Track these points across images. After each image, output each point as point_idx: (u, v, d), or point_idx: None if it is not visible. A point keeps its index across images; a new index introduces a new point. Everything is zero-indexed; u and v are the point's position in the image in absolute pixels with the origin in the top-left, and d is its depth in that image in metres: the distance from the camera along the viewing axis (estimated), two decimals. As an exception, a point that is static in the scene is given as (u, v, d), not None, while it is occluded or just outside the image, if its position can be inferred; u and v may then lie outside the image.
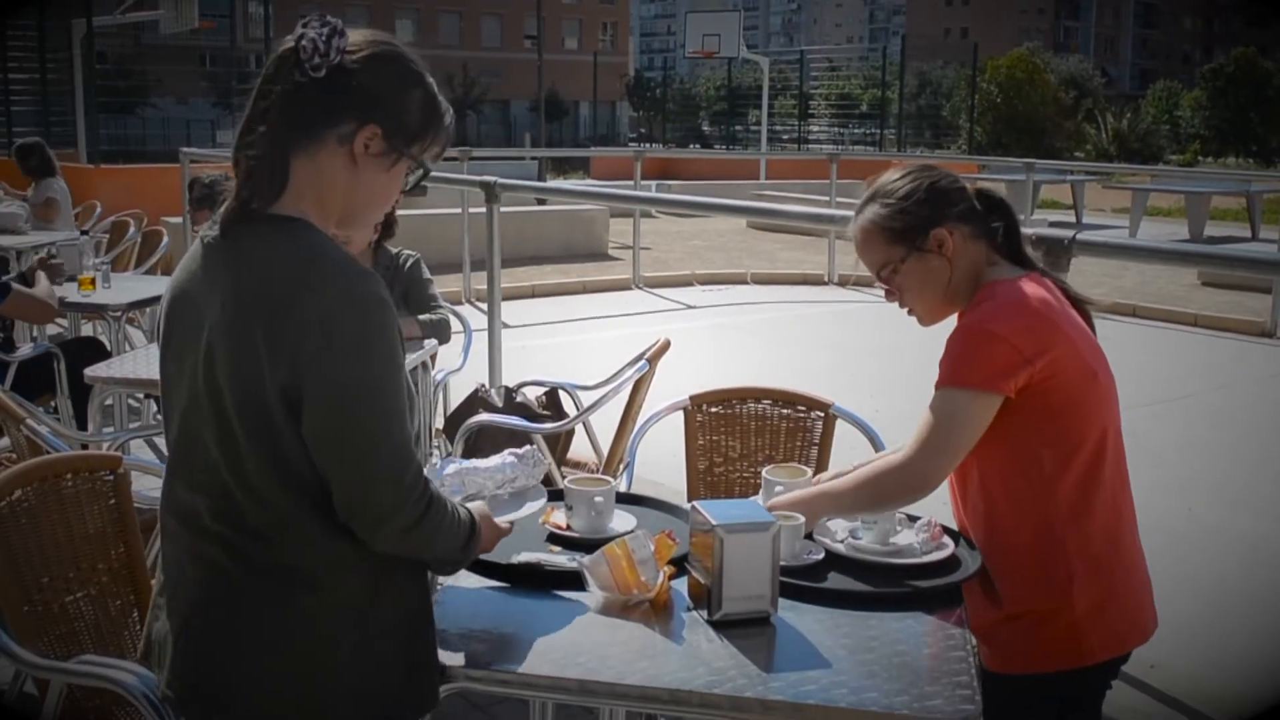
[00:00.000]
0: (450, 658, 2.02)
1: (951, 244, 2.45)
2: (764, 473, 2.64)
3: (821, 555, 2.39)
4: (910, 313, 2.56)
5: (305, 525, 1.87)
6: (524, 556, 2.34)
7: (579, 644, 2.07)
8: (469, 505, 2.09)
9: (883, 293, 2.56)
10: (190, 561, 1.94)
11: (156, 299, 6.46)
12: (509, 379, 5.39)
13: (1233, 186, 21.99)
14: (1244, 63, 56.60)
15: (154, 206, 11.00)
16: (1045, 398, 2.33)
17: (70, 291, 6.10)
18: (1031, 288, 2.42)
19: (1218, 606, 4.94)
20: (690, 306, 12.29)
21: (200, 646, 1.93)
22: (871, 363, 9.30)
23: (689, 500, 2.79)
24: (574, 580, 2.23)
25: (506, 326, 6.97)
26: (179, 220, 10.38)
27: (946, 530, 2.55)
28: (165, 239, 8.71)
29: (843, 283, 13.53)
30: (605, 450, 4.44)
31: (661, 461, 4.08)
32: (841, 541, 2.49)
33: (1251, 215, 20.02)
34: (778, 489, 2.57)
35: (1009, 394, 2.32)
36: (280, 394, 1.80)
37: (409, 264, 4.92)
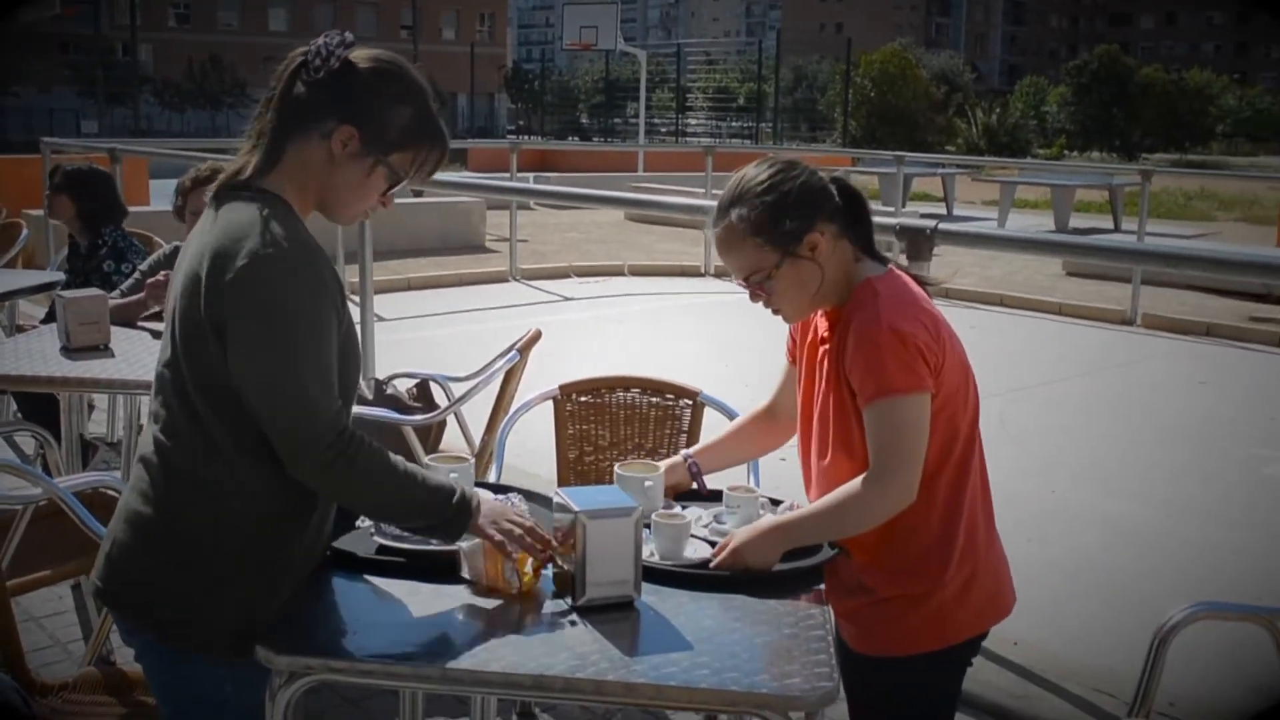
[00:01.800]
0: (312, 649, 2.00)
1: (823, 246, 2.39)
2: (725, 491, 2.59)
3: (708, 554, 2.39)
4: (776, 312, 2.49)
5: (225, 445, 2.08)
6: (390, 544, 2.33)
7: (443, 633, 2.07)
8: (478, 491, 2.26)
9: (749, 293, 2.47)
10: (139, 463, 2.17)
11: (14, 293, 6.27)
12: (382, 372, 5.33)
13: (1096, 180, 22.61)
14: (1107, 60, 58.33)
15: (14, 198, 10.67)
16: (936, 392, 2.34)
17: (-78, 285, 5.89)
18: (908, 283, 2.44)
19: (1079, 584, 5.10)
20: (568, 298, 12.30)
21: (123, 543, 2.15)
22: (747, 353, 9.39)
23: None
24: (444, 570, 2.23)
25: (380, 319, 6.91)
26: (39, 213, 10.08)
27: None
28: (25, 231, 8.43)
29: (719, 273, 13.65)
30: (478, 441, 4.42)
31: (535, 451, 4.08)
32: (706, 527, 2.52)
33: (1114, 207, 20.62)
34: (731, 510, 2.54)
35: (933, 390, 2.32)
36: (210, 324, 2.02)
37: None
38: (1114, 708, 3.93)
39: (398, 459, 2.14)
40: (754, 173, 2.44)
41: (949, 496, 2.42)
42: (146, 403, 2.30)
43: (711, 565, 2.32)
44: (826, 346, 2.47)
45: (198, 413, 2.08)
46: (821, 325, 2.52)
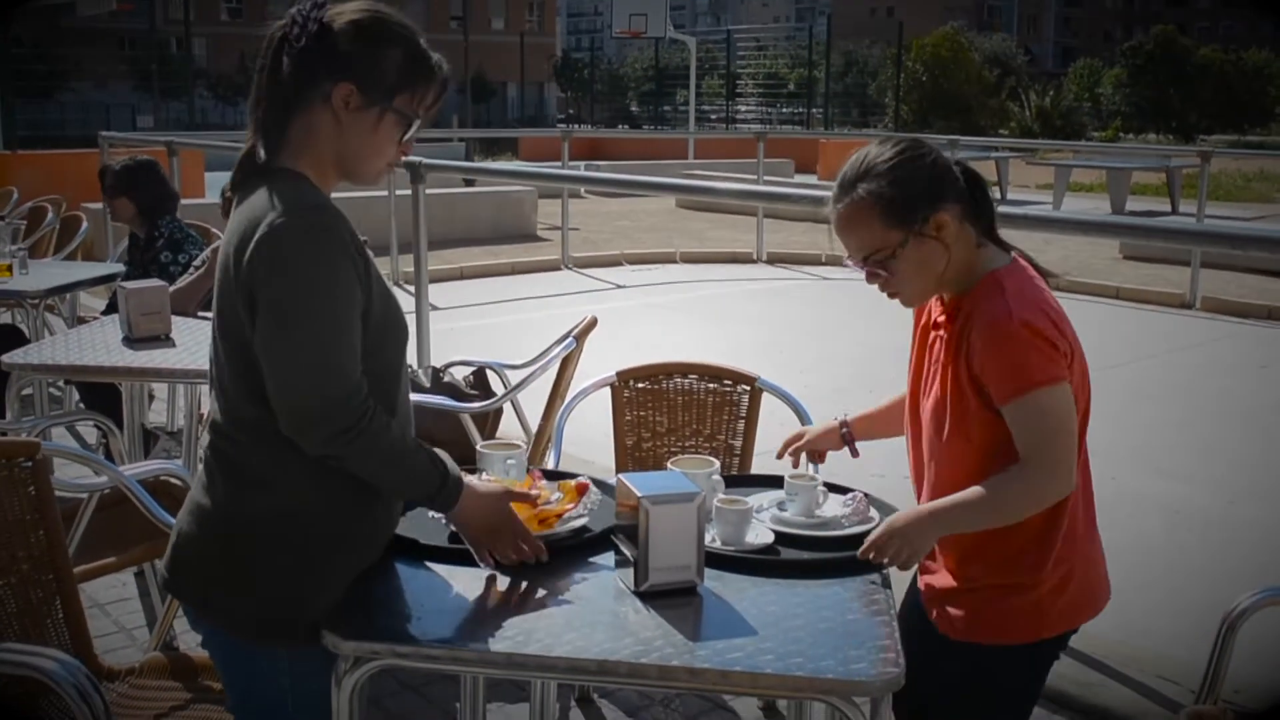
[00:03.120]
0: (378, 634, 2.01)
1: (950, 228, 2.31)
2: (785, 478, 2.59)
3: (771, 539, 2.40)
4: (893, 295, 2.40)
5: (265, 432, 2.08)
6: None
7: (506, 618, 2.08)
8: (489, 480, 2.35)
9: (863, 273, 2.39)
10: (203, 456, 2.23)
11: (75, 285, 6.35)
12: (438, 361, 5.36)
13: (1153, 162, 22.32)
14: (1163, 40, 57.41)
15: (73, 192, 10.79)
16: (1071, 381, 2.30)
17: (-13, 278, 5.98)
18: (1032, 276, 2.39)
19: (1142, 571, 5.03)
20: (620, 286, 12.29)
21: (186, 533, 2.20)
22: (801, 339, 9.36)
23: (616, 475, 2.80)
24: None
25: (435, 308, 6.94)
26: (98, 206, 10.20)
27: (871, 501, 2.58)
28: (84, 225, 8.55)
29: (772, 260, 13.59)
30: (535, 428, 4.43)
31: (592, 439, 4.08)
32: (765, 512, 2.51)
33: (1171, 190, 20.35)
34: (791, 497, 2.55)
35: (1069, 379, 2.27)
36: (245, 308, 2.04)
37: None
38: (1178, 695, 3.87)
39: (398, 431, 2.14)
40: (879, 150, 2.35)
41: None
42: (206, 392, 2.34)
43: (861, 552, 2.29)
44: (942, 333, 2.40)
45: (241, 404, 2.11)
46: (936, 309, 2.45)
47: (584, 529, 2.39)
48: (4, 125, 17.06)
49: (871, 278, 2.37)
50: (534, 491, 2.35)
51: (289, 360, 2.01)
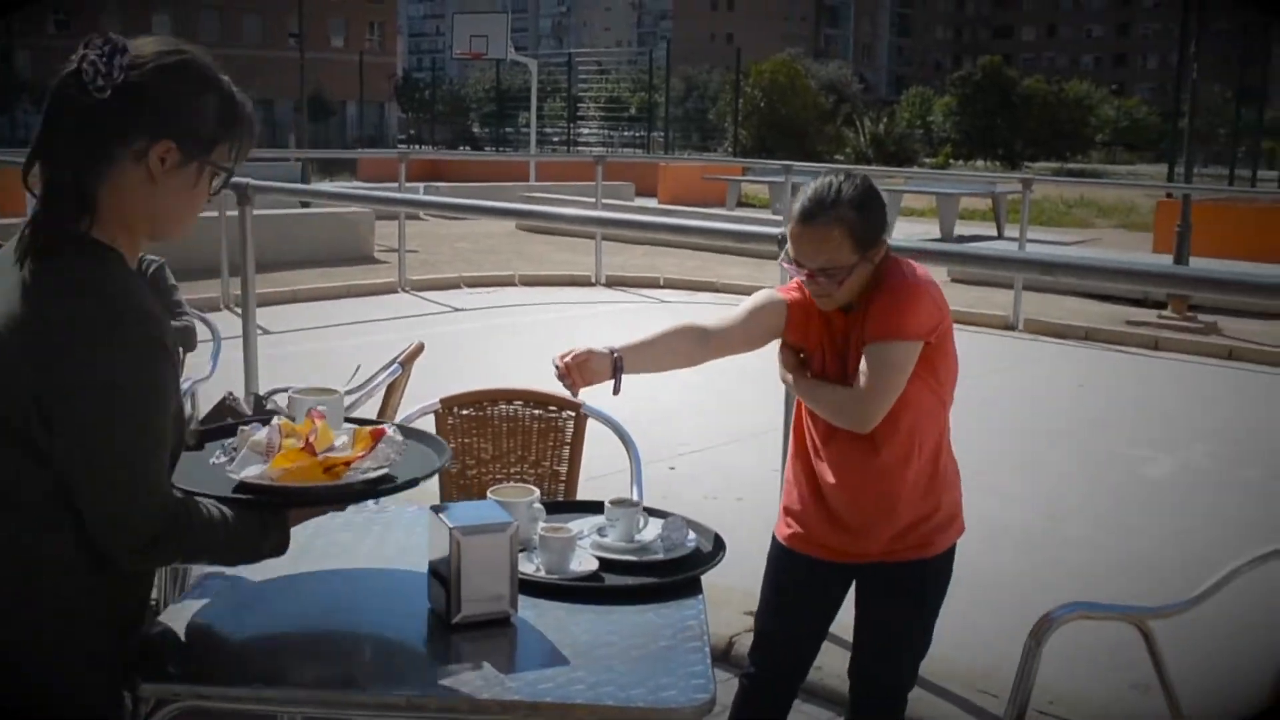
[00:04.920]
0: (178, 675, 1.95)
1: (882, 252, 2.75)
2: (606, 504, 2.62)
3: (595, 566, 2.41)
4: (822, 298, 2.77)
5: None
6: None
7: (315, 652, 2.04)
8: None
9: (801, 274, 2.75)
10: None
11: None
12: (264, 387, 5.24)
13: (980, 188, 23.07)
14: (990, 71, 59.49)
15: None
16: (944, 345, 2.77)
17: None
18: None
19: (961, 585, 5.09)
20: (458, 309, 12.21)
21: None
22: (637, 362, 9.40)
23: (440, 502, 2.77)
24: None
25: (265, 332, 6.81)
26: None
27: (690, 524, 2.61)
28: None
29: (610, 283, 13.67)
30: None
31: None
32: (586, 539, 2.52)
33: (997, 215, 21.06)
34: (612, 522, 2.59)
35: (930, 340, 2.71)
36: (32, 404, 1.79)
37: (152, 269, 4.75)
38: (996, 707, 3.98)
39: (213, 511, 1.96)
40: (844, 182, 2.74)
41: (940, 436, 2.88)
42: None
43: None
44: (855, 315, 2.78)
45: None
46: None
47: (385, 478, 2.11)
48: None
49: (812, 282, 2.74)
50: (311, 437, 2.10)
51: (95, 471, 1.82)
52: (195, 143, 1.92)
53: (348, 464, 2.08)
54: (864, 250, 2.70)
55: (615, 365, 2.69)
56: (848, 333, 2.80)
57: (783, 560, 3.01)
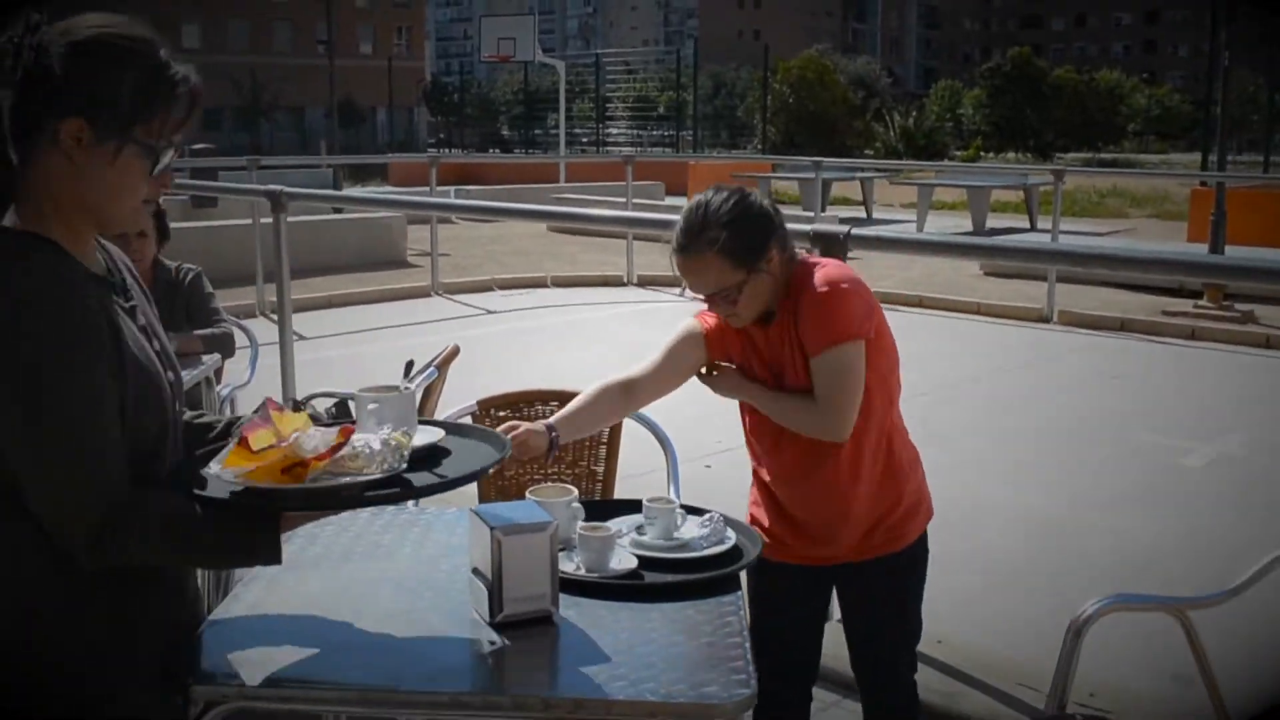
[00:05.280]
0: (228, 676, 1.98)
1: (777, 260, 2.72)
2: (644, 503, 2.62)
3: (634, 564, 2.43)
4: (731, 318, 2.78)
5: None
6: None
7: (360, 652, 2.06)
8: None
9: (698, 298, 2.78)
10: None
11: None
12: (302, 391, 5.30)
13: (1011, 181, 22.99)
14: (1020, 62, 59.23)
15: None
16: (881, 339, 2.76)
17: None
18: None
19: (1001, 580, 5.17)
20: (490, 311, 12.27)
21: None
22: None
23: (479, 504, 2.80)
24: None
25: (301, 338, 6.86)
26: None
27: (729, 521, 2.62)
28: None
29: (642, 283, 13.68)
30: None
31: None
32: (625, 537, 2.54)
33: (1029, 207, 20.96)
34: (650, 520, 2.59)
35: (870, 336, 2.71)
36: None
37: (189, 278, 4.81)
38: (1036, 700, 3.97)
39: (185, 507, 1.89)
40: (716, 200, 2.72)
41: (895, 425, 2.90)
42: None
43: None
44: (778, 325, 2.77)
45: None
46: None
47: (369, 484, 1.95)
48: None
49: (715, 306, 2.77)
50: (262, 431, 1.97)
51: (26, 463, 1.77)
52: (111, 119, 1.83)
53: (306, 465, 1.92)
54: (747, 265, 2.68)
55: (551, 440, 2.77)
56: (779, 343, 2.79)
57: (760, 570, 2.90)
